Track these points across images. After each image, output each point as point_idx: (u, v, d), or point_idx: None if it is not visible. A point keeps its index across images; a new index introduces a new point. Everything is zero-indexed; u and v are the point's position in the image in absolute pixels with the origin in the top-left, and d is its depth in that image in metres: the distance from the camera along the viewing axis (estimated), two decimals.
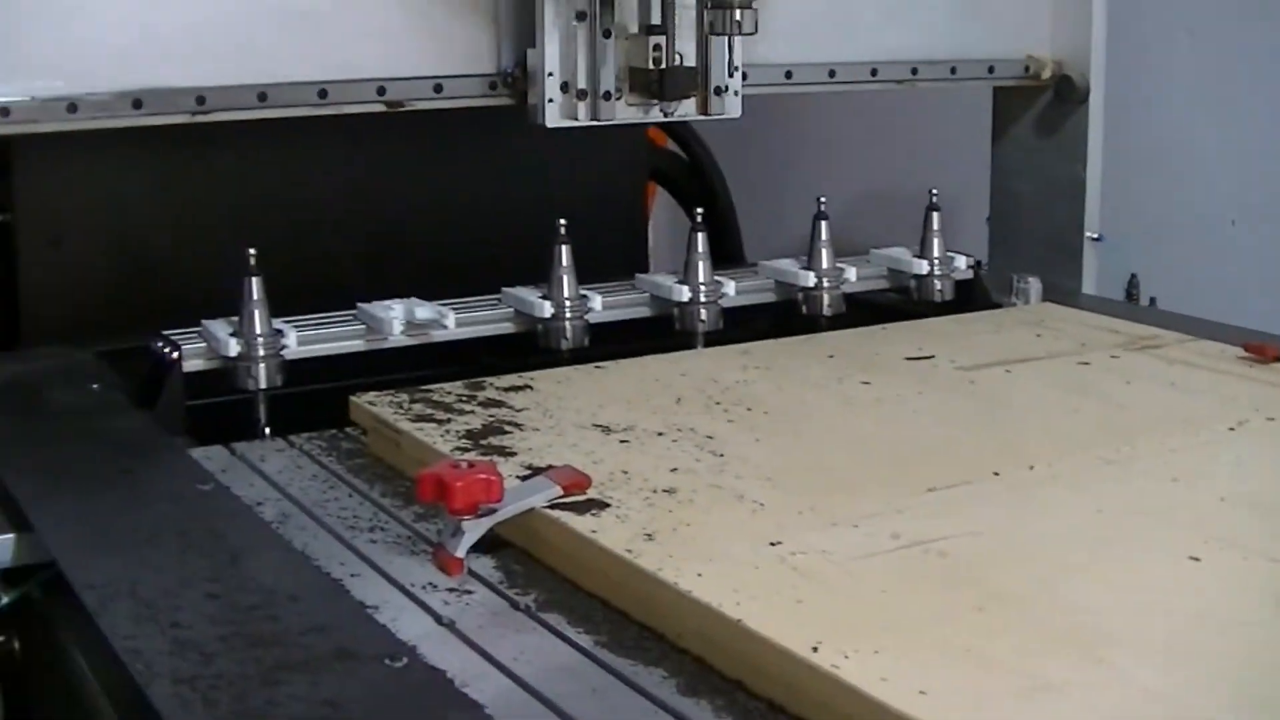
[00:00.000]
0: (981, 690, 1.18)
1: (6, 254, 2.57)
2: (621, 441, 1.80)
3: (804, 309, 2.53)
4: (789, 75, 2.55)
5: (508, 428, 1.86)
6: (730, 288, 2.45)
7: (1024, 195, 2.86)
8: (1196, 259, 3.18)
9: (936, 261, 2.61)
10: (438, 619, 1.42)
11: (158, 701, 1.18)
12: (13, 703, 1.72)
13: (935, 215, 2.62)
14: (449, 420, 1.89)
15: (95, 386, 2.10)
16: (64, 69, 2.08)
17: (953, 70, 2.71)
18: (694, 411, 1.92)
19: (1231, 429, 1.86)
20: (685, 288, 2.40)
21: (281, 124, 2.28)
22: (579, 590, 1.48)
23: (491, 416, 1.90)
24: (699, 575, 1.38)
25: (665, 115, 2.37)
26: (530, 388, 2.03)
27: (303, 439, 2.00)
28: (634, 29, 2.31)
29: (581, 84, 2.28)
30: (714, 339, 2.39)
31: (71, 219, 2.52)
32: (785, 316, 2.54)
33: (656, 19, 2.31)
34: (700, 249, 2.41)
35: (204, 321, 2.18)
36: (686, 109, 2.37)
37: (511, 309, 2.35)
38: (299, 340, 2.17)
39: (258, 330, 2.11)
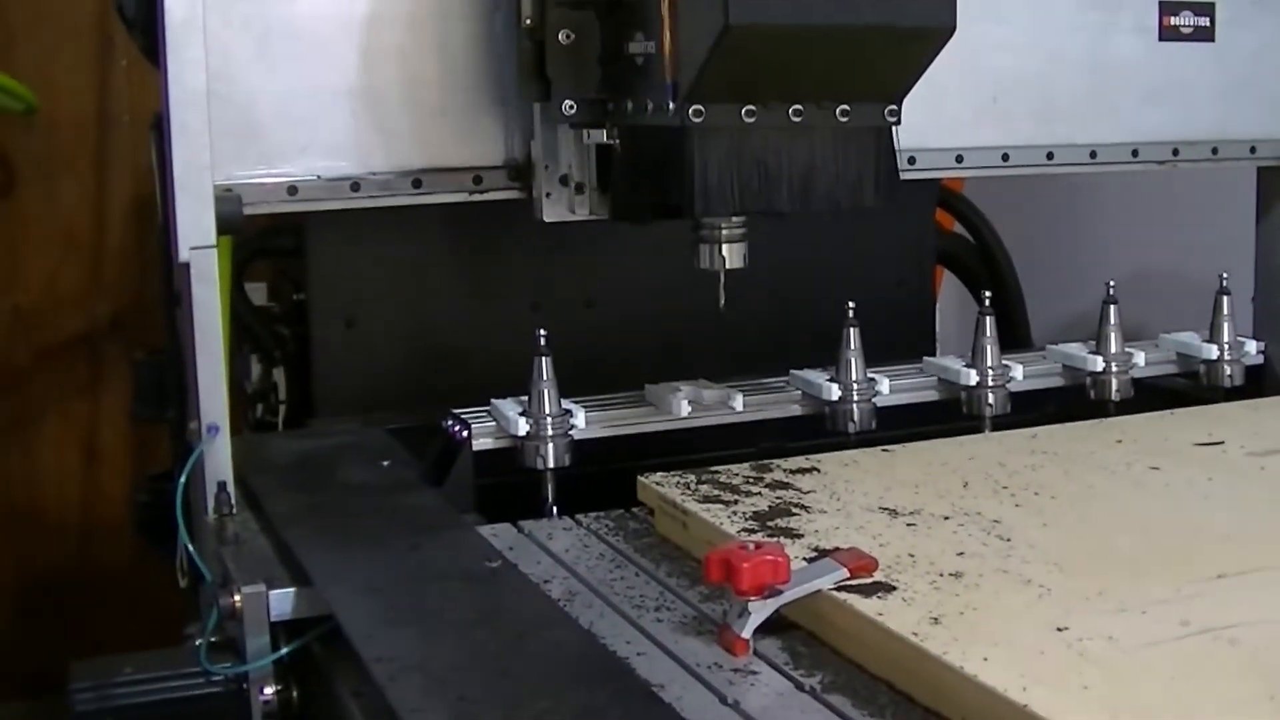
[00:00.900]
0: None
1: (301, 332, 2.68)
2: (908, 525, 1.81)
3: (1092, 394, 2.50)
4: (1050, 156, 2.56)
5: (794, 510, 1.87)
6: (1018, 372, 2.44)
7: None
8: None
9: (1226, 346, 2.57)
10: (722, 699, 1.43)
11: None
12: None
13: (1225, 299, 2.57)
14: (736, 501, 1.91)
15: (386, 463, 2.16)
16: (347, 150, 2.20)
17: (1214, 150, 2.69)
18: (981, 495, 1.92)
19: None
20: (973, 371, 2.40)
21: None
22: (864, 673, 1.48)
23: (778, 498, 1.92)
24: (985, 659, 1.37)
25: None
26: (817, 470, 2.05)
27: (590, 518, 2.04)
28: None
29: (578, 177, 2.21)
30: (1001, 423, 2.38)
31: (365, 298, 2.61)
32: (1073, 401, 2.51)
33: None
34: (988, 333, 2.40)
35: (493, 401, 2.23)
36: None
37: (799, 391, 2.37)
38: (587, 420, 2.21)
39: (547, 410, 2.14)
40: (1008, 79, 2.54)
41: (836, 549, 1.66)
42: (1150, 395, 2.54)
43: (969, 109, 2.51)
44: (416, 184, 2.22)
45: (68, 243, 4.14)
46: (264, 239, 2.73)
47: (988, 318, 2.41)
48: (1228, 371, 2.57)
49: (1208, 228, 3.43)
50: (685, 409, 2.23)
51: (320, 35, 2.17)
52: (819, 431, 2.33)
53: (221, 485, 1.99)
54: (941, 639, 1.43)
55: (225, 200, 2.05)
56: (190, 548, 1.95)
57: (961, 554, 1.69)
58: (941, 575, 1.62)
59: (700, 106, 1.87)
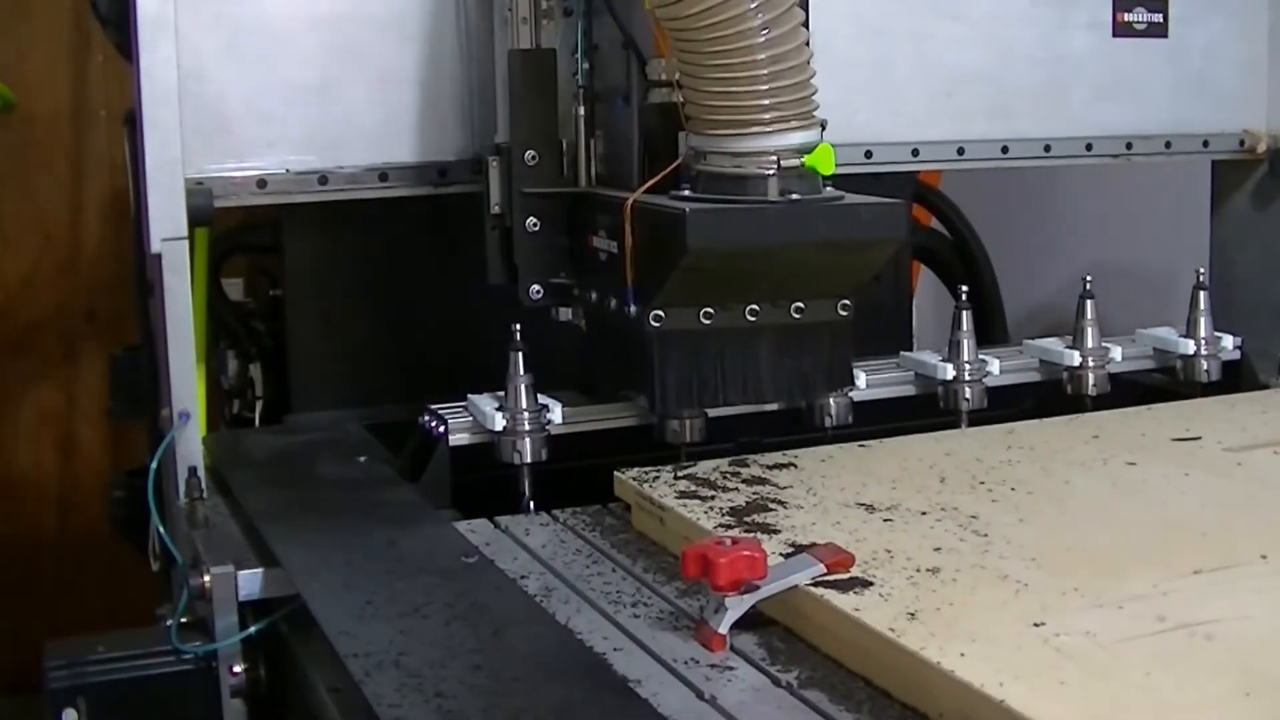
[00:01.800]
0: None
1: (278, 327, 2.67)
2: (885, 520, 1.81)
3: (1069, 389, 2.50)
4: (1005, 150, 2.59)
5: (771, 505, 1.87)
6: (995, 366, 2.43)
7: (1243, 268, 2.82)
8: None
9: (1203, 341, 2.57)
10: (699, 694, 1.43)
11: None
12: None
13: (1202, 295, 2.58)
14: (713, 497, 1.91)
15: (362, 459, 2.17)
16: (315, 145, 2.22)
17: (1167, 145, 2.73)
18: (958, 491, 1.92)
19: None
20: (950, 366, 2.40)
21: None
22: (841, 668, 1.48)
23: (755, 494, 1.92)
24: (962, 655, 1.37)
25: None
26: (794, 465, 2.05)
27: (567, 513, 2.04)
28: None
29: None
30: (978, 418, 2.38)
31: (341, 294, 2.61)
32: (1050, 396, 2.52)
33: None
34: (965, 327, 2.40)
35: (470, 396, 2.22)
36: None
37: None
38: (564, 415, 2.20)
39: (523, 405, 2.13)
40: (963, 73, 2.56)
41: (813, 544, 1.66)
42: (1127, 390, 2.54)
43: (924, 103, 2.54)
44: (383, 177, 2.24)
45: (44, 238, 4.13)
46: (240, 235, 2.72)
47: (964, 312, 2.41)
48: (1204, 367, 2.56)
49: (1169, 221, 3.45)
50: None
51: (288, 32, 2.20)
52: (796, 427, 2.32)
53: (192, 470, 2.02)
54: (918, 634, 1.43)
55: (196, 193, 2.09)
56: (162, 531, 1.98)
57: (938, 549, 1.69)
58: (918, 571, 1.62)
59: (661, 312, 1.95)
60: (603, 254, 2.05)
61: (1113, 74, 2.65)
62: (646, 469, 2.02)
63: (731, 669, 1.50)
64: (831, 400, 2.29)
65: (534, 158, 2.14)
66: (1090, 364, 2.49)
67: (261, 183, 2.19)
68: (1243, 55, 2.74)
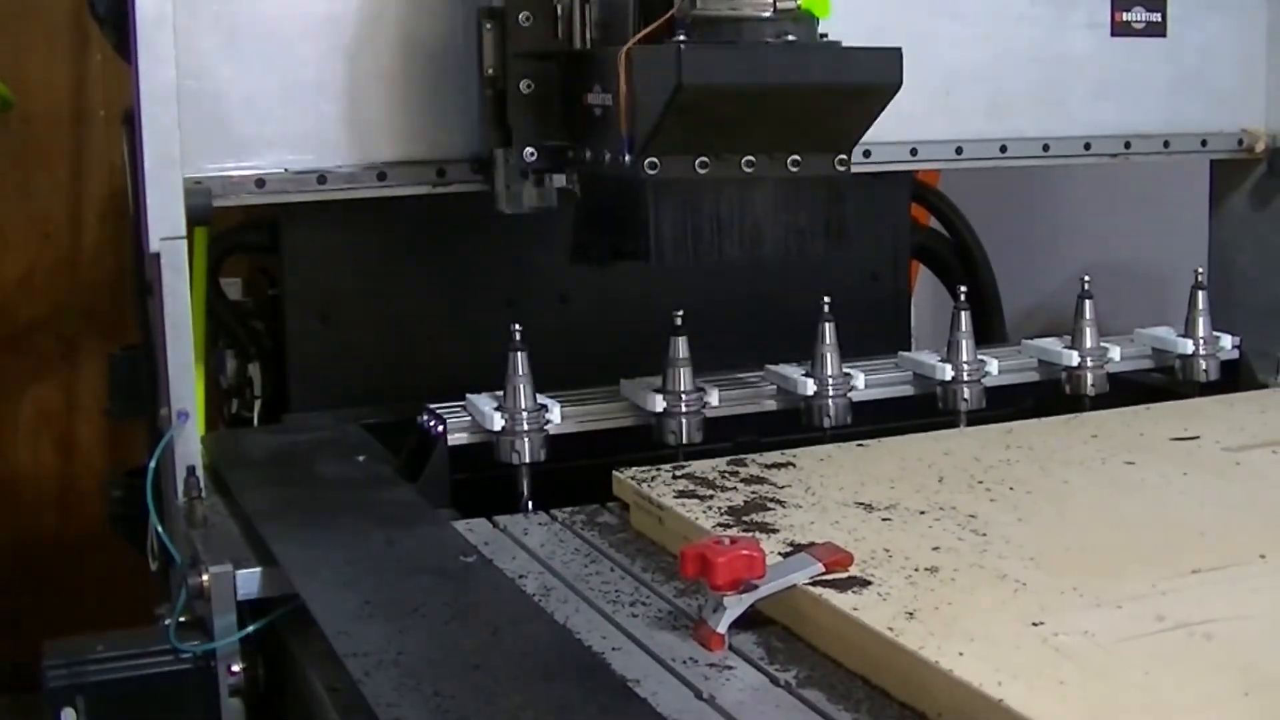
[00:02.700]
0: None
1: (276, 327, 2.67)
2: (884, 520, 1.81)
3: (1067, 389, 2.51)
4: (1003, 149, 2.59)
5: (770, 505, 1.87)
6: (993, 366, 2.44)
7: (1241, 267, 2.83)
8: None
9: (1202, 341, 2.57)
10: (698, 694, 1.43)
11: None
12: None
13: (1201, 294, 2.58)
14: (711, 496, 1.91)
15: (361, 459, 2.17)
16: (314, 144, 2.23)
17: (1166, 144, 2.74)
18: (956, 490, 1.92)
19: None
20: (948, 366, 2.40)
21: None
22: (840, 667, 1.49)
23: (754, 493, 1.92)
24: (960, 654, 1.38)
25: None
26: (792, 465, 2.05)
27: (565, 513, 2.04)
28: None
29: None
30: (977, 418, 2.38)
31: (339, 293, 2.61)
32: (1049, 396, 2.52)
33: None
34: (964, 327, 2.41)
35: (468, 396, 2.23)
36: None
37: (774, 386, 2.37)
38: (562, 415, 2.20)
39: (522, 405, 2.14)
40: (961, 73, 2.57)
41: (812, 544, 1.66)
42: (1126, 390, 2.54)
43: (923, 102, 2.53)
44: (381, 177, 2.24)
45: (43, 237, 4.12)
46: (239, 234, 2.72)
47: (963, 312, 2.41)
48: (1203, 366, 2.56)
49: (1168, 221, 3.45)
50: (660, 404, 2.22)
51: (287, 31, 2.20)
52: (794, 426, 2.33)
53: (191, 470, 2.01)
54: (917, 634, 1.43)
55: (195, 193, 2.09)
56: (160, 530, 1.98)
57: (937, 549, 1.69)
58: (917, 570, 1.62)
59: (655, 160, 1.90)
60: (598, 109, 2.01)
61: (1111, 73, 2.66)
62: (645, 468, 2.02)
63: (730, 668, 1.50)
64: (830, 400, 2.30)
65: (528, 19, 2.11)
66: (1089, 364, 2.49)
67: (260, 182, 2.19)
68: (1241, 54, 2.75)
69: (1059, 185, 3.81)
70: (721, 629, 1.53)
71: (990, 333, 3.05)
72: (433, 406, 2.23)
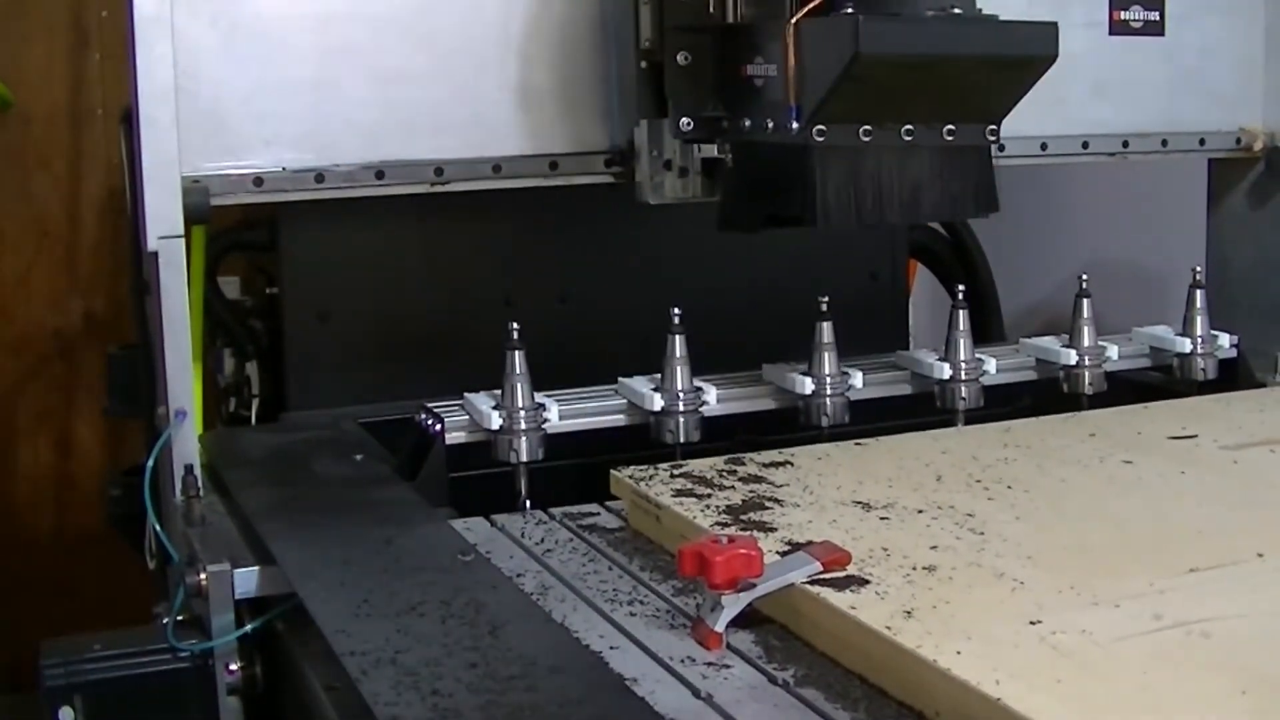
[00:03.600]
0: None
1: (274, 326, 2.67)
2: (881, 519, 1.81)
3: (1065, 387, 2.51)
4: (1001, 148, 2.58)
5: (768, 503, 1.87)
6: (991, 365, 2.44)
7: (1239, 266, 2.83)
8: None
9: (1200, 340, 2.57)
10: (695, 693, 1.43)
11: None
12: None
13: (1199, 293, 2.58)
14: (709, 495, 1.91)
15: (359, 457, 2.17)
16: (312, 142, 2.22)
17: (1163, 143, 2.73)
18: (954, 489, 1.92)
19: None
20: (946, 365, 2.40)
21: (552, 197, 2.35)
22: (837, 666, 1.49)
23: (752, 492, 1.92)
24: (958, 653, 1.38)
25: None
26: (790, 464, 2.04)
27: (563, 512, 2.04)
28: None
29: (681, 162, 2.29)
30: (975, 417, 2.38)
31: (338, 292, 2.61)
32: (1047, 395, 2.52)
33: None
34: (962, 326, 2.41)
35: (466, 395, 2.23)
36: None
37: (772, 385, 2.37)
38: (560, 414, 2.20)
39: (520, 404, 2.14)
40: None
41: (810, 543, 1.66)
42: (1123, 389, 2.55)
43: None
44: (379, 175, 2.23)
45: (41, 236, 4.12)
46: (237, 233, 2.72)
47: (961, 311, 2.42)
48: (1201, 365, 2.57)
49: (1166, 219, 3.45)
50: (658, 403, 2.22)
51: (285, 30, 2.19)
52: (792, 425, 2.33)
53: (189, 468, 2.01)
54: (915, 633, 1.43)
55: (193, 191, 2.09)
56: (158, 529, 1.98)
57: (935, 548, 1.69)
58: (915, 569, 1.62)
59: (823, 127, 1.95)
60: (758, 80, 2.05)
61: (1109, 72, 2.65)
62: (643, 467, 2.02)
63: (728, 667, 1.50)
64: (828, 399, 2.30)
65: None
66: (1087, 362, 2.49)
67: (258, 180, 2.19)
68: (1239, 53, 2.75)
69: (1057, 184, 3.81)
70: (719, 628, 1.53)
71: (988, 331, 3.06)
72: (430, 405, 2.23)
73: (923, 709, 1.37)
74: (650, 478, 1.98)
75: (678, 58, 2.16)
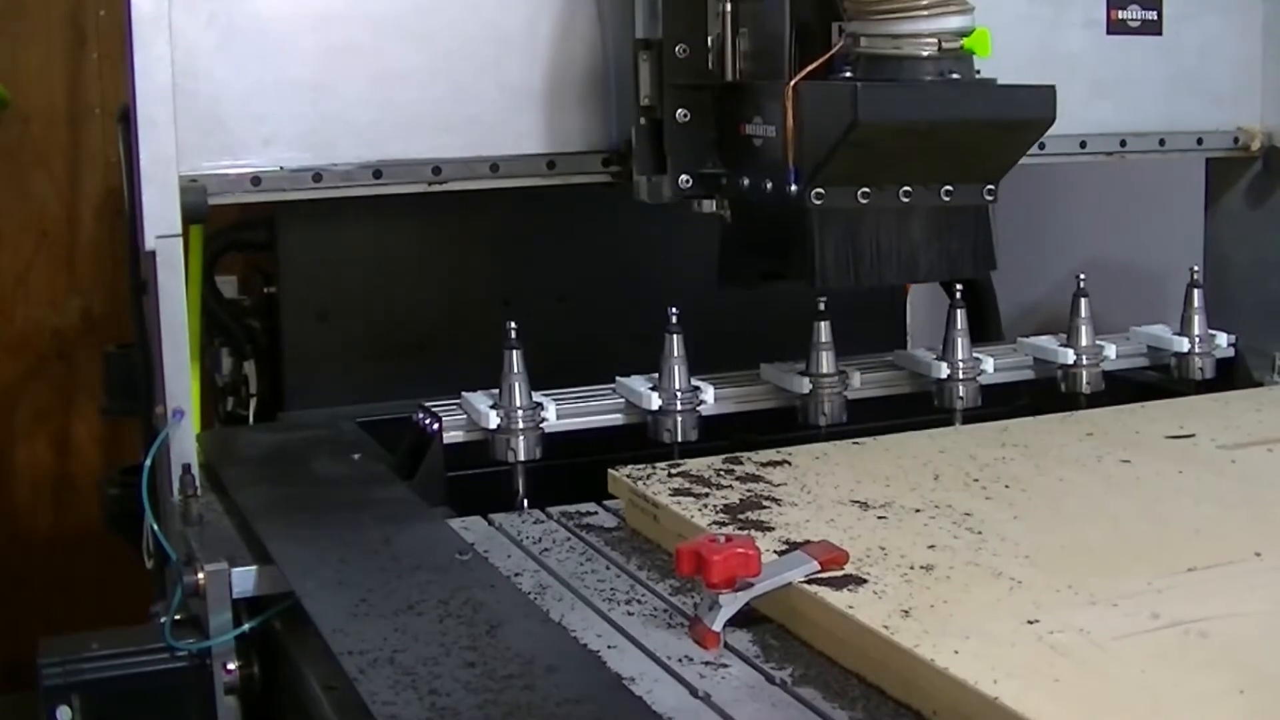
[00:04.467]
0: None
1: (272, 325, 2.67)
2: (879, 518, 1.81)
3: (1063, 386, 2.51)
4: None
5: (765, 503, 1.87)
6: (989, 364, 2.44)
7: (1237, 265, 2.83)
8: None
9: (1197, 339, 2.57)
10: (693, 692, 1.43)
11: None
12: None
13: (1196, 292, 2.58)
14: (707, 494, 1.91)
15: (356, 456, 2.17)
16: (310, 142, 2.22)
17: (1161, 142, 2.73)
18: (952, 488, 1.92)
19: None
20: (944, 364, 2.40)
21: (551, 197, 2.35)
22: (835, 665, 1.48)
23: (749, 491, 1.92)
24: (956, 652, 1.37)
25: None
26: (788, 463, 2.04)
27: (560, 511, 2.04)
28: None
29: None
30: (972, 416, 2.38)
31: (336, 291, 2.61)
32: (1044, 394, 2.52)
33: None
34: (959, 325, 2.41)
35: (464, 394, 2.23)
36: None
37: (770, 384, 2.37)
38: (558, 413, 2.20)
39: (518, 403, 2.15)
40: None
41: (807, 542, 1.66)
42: (1121, 388, 2.54)
43: None
44: (377, 175, 2.23)
45: (39, 236, 4.12)
46: (235, 232, 2.72)
47: (959, 310, 2.42)
48: (1199, 364, 2.57)
49: (1163, 219, 3.45)
50: (655, 402, 2.22)
51: (283, 30, 2.19)
52: (790, 424, 2.33)
53: (186, 468, 2.01)
54: (912, 632, 1.43)
55: (190, 191, 2.09)
56: (156, 528, 1.98)
57: (932, 547, 1.69)
58: (912, 568, 1.62)
59: (821, 190, 1.96)
60: (757, 140, 2.06)
61: (1107, 72, 2.65)
62: (640, 466, 2.02)
63: (725, 666, 1.49)
64: (826, 398, 2.30)
65: (684, 51, 2.15)
66: (1084, 362, 2.49)
67: (256, 180, 2.18)
68: (1237, 53, 2.74)
69: (1054, 183, 3.81)
70: (717, 627, 1.53)
71: (986, 330, 3.06)
72: (428, 404, 2.23)
73: (920, 708, 1.37)
74: (648, 477, 1.98)
75: (677, 114, 2.16)
